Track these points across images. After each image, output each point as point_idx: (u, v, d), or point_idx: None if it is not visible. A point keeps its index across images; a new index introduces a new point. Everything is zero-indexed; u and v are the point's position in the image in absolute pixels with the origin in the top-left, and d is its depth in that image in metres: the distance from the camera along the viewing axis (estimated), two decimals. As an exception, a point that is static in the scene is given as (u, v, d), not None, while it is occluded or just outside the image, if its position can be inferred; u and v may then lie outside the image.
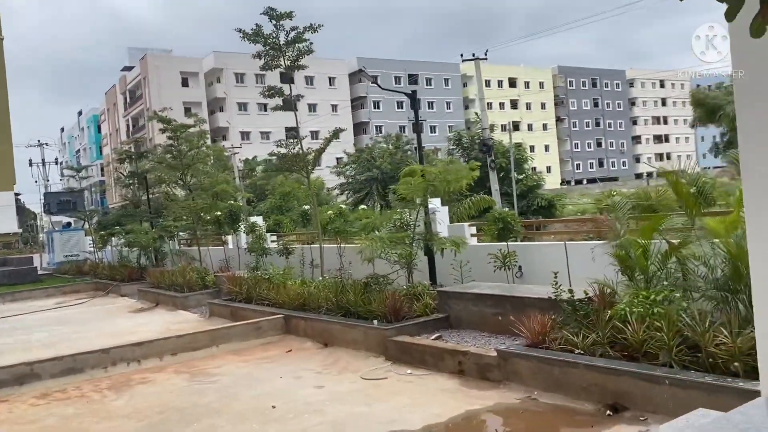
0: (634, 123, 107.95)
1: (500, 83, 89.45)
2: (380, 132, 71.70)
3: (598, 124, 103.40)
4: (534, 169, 41.35)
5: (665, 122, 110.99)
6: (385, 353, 9.29)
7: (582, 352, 6.83)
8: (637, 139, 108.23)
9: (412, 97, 12.86)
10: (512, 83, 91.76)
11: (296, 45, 12.72)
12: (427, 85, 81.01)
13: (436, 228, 11.72)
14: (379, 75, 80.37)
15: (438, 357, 8.41)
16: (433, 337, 9.18)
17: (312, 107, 69.13)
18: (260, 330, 11.65)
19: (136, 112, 73.56)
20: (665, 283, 7.03)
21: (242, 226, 19.59)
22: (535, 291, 8.79)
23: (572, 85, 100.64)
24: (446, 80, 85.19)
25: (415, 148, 46.00)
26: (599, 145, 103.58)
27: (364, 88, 79.99)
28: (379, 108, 79.67)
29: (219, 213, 19.76)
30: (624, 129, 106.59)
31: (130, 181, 29.31)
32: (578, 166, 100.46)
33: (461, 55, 29.02)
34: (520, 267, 11.00)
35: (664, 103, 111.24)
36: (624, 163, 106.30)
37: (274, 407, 7.42)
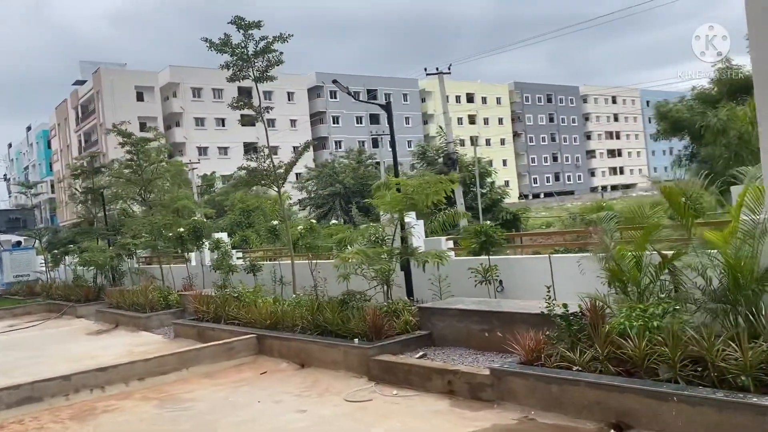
0: (588, 138, 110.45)
1: (458, 98, 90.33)
2: (340, 147, 71.52)
3: (553, 139, 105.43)
4: (497, 183, 41.59)
5: (618, 137, 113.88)
6: (367, 373, 8.91)
7: (580, 368, 6.60)
8: (591, 154, 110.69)
9: (387, 109, 12.62)
10: (470, 98, 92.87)
11: (266, 55, 12.33)
12: (386, 100, 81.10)
13: (413, 242, 11.43)
14: (337, 90, 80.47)
15: (425, 377, 8.07)
16: (417, 355, 8.84)
17: (271, 122, 68.13)
18: (232, 351, 11.11)
19: (89, 127, 71.64)
20: (662, 295, 6.87)
21: (207, 243, 18.95)
22: (524, 306, 8.55)
23: (528, 101, 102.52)
24: (405, 95, 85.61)
25: (377, 162, 45.70)
26: (555, 159, 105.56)
27: (323, 103, 79.78)
28: (338, 123, 79.50)
29: (182, 229, 19.09)
30: (579, 143, 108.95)
31: (86, 198, 28.20)
32: (535, 180, 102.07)
33: (425, 69, 29.06)
34: (500, 281, 10.78)
35: (616, 119, 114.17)
36: (579, 177, 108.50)
37: (256, 435, 6.97)
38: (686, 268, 6.83)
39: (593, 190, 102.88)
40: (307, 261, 14.12)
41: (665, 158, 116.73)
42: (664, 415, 5.67)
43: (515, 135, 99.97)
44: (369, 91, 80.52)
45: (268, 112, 13.02)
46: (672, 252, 7.20)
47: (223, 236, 19.40)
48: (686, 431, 5.51)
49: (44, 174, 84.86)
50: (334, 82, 12.90)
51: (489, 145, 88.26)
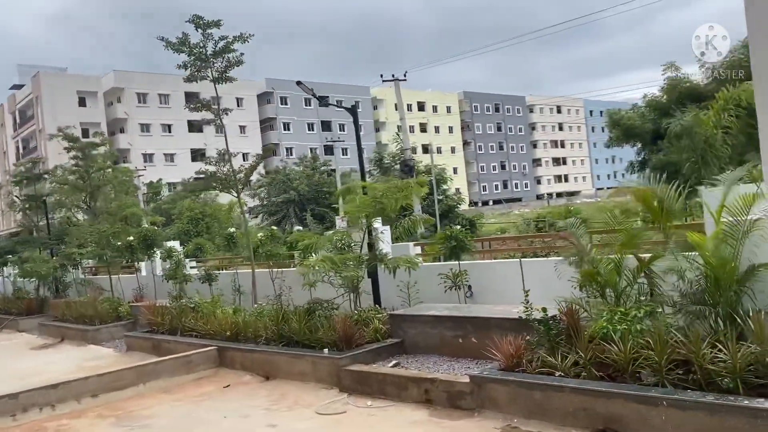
0: (535, 146, 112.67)
1: (410, 107, 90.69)
2: (291, 154, 70.72)
3: (501, 148, 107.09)
4: (452, 190, 41.82)
5: (562, 146, 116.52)
6: (338, 384, 8.59)
7: (563, 374, 6.46)
8: (537, 162, 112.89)
9: (353, 112, 12.35)
10: (421, 107, 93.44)
11: (225, 55, 11.92)
12: (338, 107, 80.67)
13: (382, 248, 11.18)
14: (288, 96, 79.78)
15: (401, 386, 7.81)
16: (390, 364, 8.59)
17: (219, 128, 66.83)
18: (191, 364, 10.61)
19: (27, 133, 68.85)
20: (643, 299, 6.82)
21: (158, 252, 18.25)
22: (499, 311, 8.41)
23: (477, 110, 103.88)
24: (357, 103, 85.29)
25: (332, 170, 45.23)
26: (503, 167, 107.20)
27: (274, 109, 78.86)
28: (289, 130, 78.71)
29: (131, 238, 18.34)
30: (525, 152, 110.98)
31: (26, 205, 26.89)
32: (484, 187, 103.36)
33: (381, 76, 28.96)
34: (469, 287, 10.64)
35: (561, 128, 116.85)
36: (526, 184, 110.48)
37: (226, 453, 6.57)
38: (665, 271, 6.79)
39: (539, 197, 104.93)
40: (267, 270, 13.73)
41: (608, 166, 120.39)
42: (654, 420, 5.57)
43: (465, 143, 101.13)
44: (321, 98, 80.00)
45: (227, 114, 12.58)
46: (649, 255, 7.17)
47: (176, 245, 18.71)
48: (677, 436, 5.42)
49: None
50: (298, 83, 12.58)
51: (440, 153, 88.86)
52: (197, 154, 68.74)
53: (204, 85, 14.10)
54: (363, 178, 12.06)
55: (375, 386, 8.10)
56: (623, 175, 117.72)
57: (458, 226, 11.22)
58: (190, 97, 69.60)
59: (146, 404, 9.08)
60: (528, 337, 7.14)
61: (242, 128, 72.17)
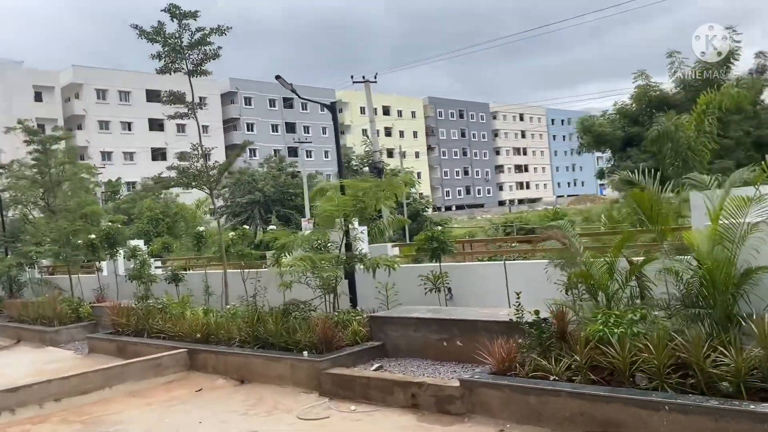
0: (497, 153, 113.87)
1: (375, 110, 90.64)
2: (255, 155, 69.74)
3: (465, 153, 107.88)
4: (422, 194, 41.80)
5: (525, 153, 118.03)
6: (318, 388, 8.29)
7: (557, 378, 6.31)
8: (500, 169, 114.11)
9: (332, 109, 12.05)
10: (386, 111, 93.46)
11: (201, 47, 11.50)
12: (303, 109, 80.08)
13: (361, 248, 10.91)
14: (252, 97, 78.82)
15: (386, 390, 7.55)
16: (373, 367, 8.32)
17: (181, 128, 65.60)
18: (160, 367, 10.15)
19: (-21, 127, 66.18)
20: (638, 301, 6.72)
21: (121, 251, 17.59)
22: (486, 314, 8.23)
23: (441, 116, 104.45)
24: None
25: (298, 171, 44.67)
26: (466, 173, 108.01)
27: (237, 109, 77.78)
28: (252, 130, 77.64)
29: (93, 236, 17.65)
30: (488, 158, 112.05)
31: (-21, 202, 25.70)
32: (448, 193, 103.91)
33: (351, 77, 28.68)
34: (449, 289, 10.44)
35: (523, 135, 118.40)
36: (489, 190, 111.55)
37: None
38: (660, 273, 6.71)
39: (501, 203, 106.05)
40: (239, 270, 13.32)
41: (569, 174, 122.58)
42: (654, 425, 5.44)
43: (429, 148, 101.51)
44: (285, 100, 79.37)
45: (202, 107, 12.15)
46: (641, 258, 7.09)
47: (140, 243, 18.07)
48: (679, 442, 5.30)
49: (-75, 177, 77.72)
50: (277, 78, 12.20)
51: (404, 157, 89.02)
52: (158, 154, 67.29)
53: (168, 82, 13.61)
54: (341, 174, 11.77)
55: (358, 390, 7.83)
56: (583, 183, 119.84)
57: (439, 227, 11.03)
58: (152, 95, 68.16)
59: (114, 409, 8.62)
60: (520, 340, 6.97)
61: (205, 128, 70.32)
